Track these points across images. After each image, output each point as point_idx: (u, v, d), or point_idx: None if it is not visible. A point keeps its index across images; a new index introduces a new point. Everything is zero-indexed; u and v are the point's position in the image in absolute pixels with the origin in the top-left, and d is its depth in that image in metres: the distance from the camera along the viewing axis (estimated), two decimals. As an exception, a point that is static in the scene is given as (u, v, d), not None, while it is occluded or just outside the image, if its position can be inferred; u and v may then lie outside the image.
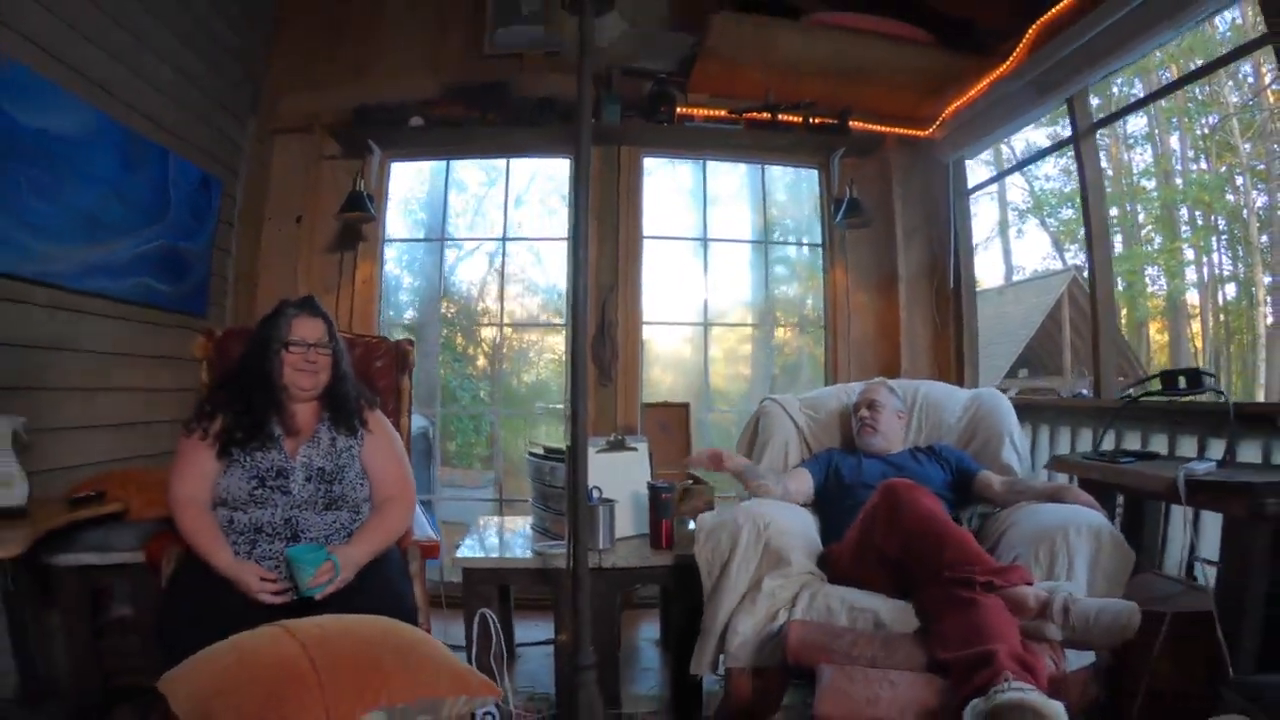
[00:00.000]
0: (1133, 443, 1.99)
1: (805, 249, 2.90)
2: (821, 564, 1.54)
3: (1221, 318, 9.97)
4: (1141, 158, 9.44)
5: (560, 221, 2.84)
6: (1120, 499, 1.85)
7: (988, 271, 11.04)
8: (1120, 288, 9.44)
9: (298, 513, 1.37)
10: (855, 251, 2.68)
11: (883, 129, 2.71)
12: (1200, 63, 8.25)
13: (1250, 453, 1.66)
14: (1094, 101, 2.45)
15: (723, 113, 2.57)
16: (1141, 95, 8.92)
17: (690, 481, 2.08)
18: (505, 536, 1.96)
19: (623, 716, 1.57)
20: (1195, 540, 1.78)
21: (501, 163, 2.75)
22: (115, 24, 2.03)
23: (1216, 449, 1.69)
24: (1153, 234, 9.32)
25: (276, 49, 2.76)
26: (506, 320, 3.08)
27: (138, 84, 2.12)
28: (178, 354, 2.25)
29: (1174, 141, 9.22)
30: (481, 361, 5.39)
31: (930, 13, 2.52)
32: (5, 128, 1.67)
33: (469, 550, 1.76)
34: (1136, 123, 9.36)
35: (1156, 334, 10.27)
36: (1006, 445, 1.91)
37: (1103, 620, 1.21)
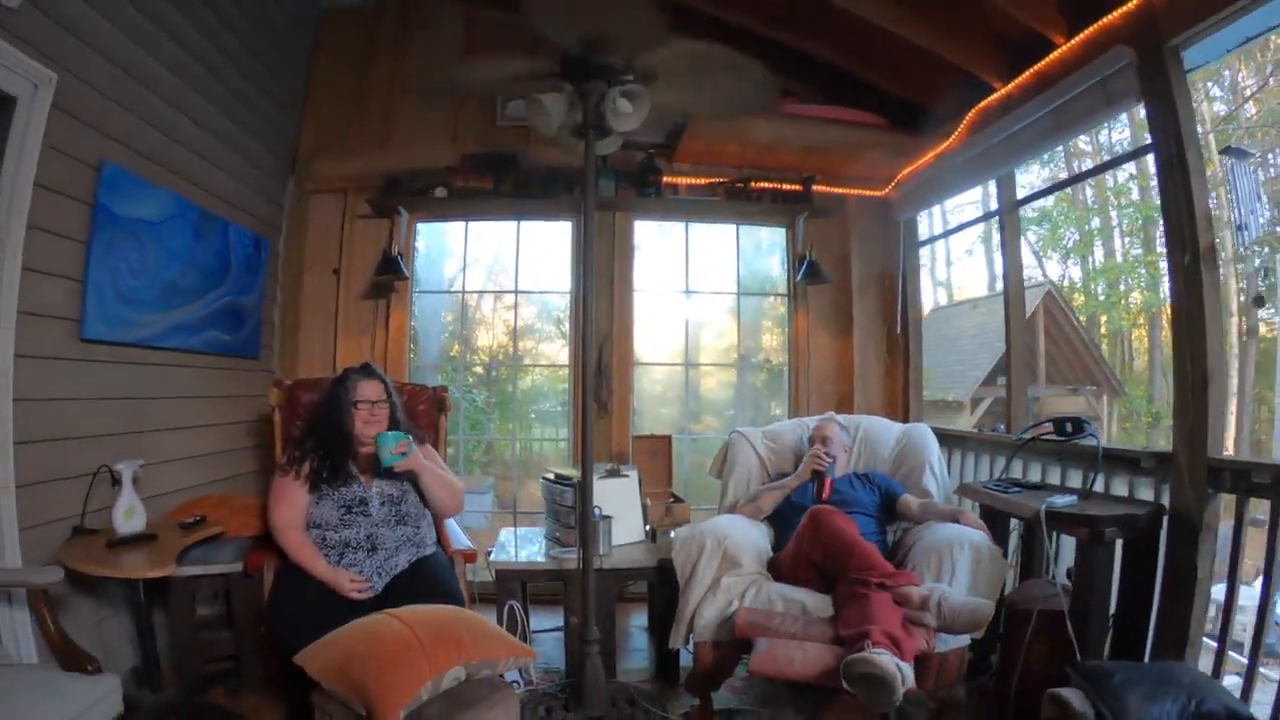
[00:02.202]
0: (1035, 473, 2.47)
1: (774, 298, 3.46)
2: (772, 567, 2.09)
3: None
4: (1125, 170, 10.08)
5: (560, 236, 3.32)
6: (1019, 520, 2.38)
7: (972, 281, 11.67)
8: (1100, 297, 10.08)
9: (376, 529, 1.90)
10: (816, 300, 3.24)
11: (843, 191, 3.25)
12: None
13: (1122, 487, 2.17)
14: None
15: (703, 181, 3.11)
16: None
17: (672, 500, 2.63)
18: (522, 545, 2.49)
19: (619, 683, 2.11)
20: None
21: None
22: (188, 118, 2.50)
23: (1097, 483, 2.16)
24: (1131, 246, 9.98)
25: (308, 117, 3.25)
26: (515, 348, 3.59)
27: (204, 166, 2.60)
28: (240, 392, 2.78)
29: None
30: (479, 368, 5.91)
31: (885, 97, 3.05)
32: (108, 221, 2.12)
33: (499, 555, 2.31)
34: (1119, 134, 9.99)
35: (1139, 341, 10.94)
36: (927, 473, 2.45)
37: (964, 614, 1.76)
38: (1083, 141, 10.00)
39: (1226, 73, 10.50)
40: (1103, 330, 10.30)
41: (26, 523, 1.84)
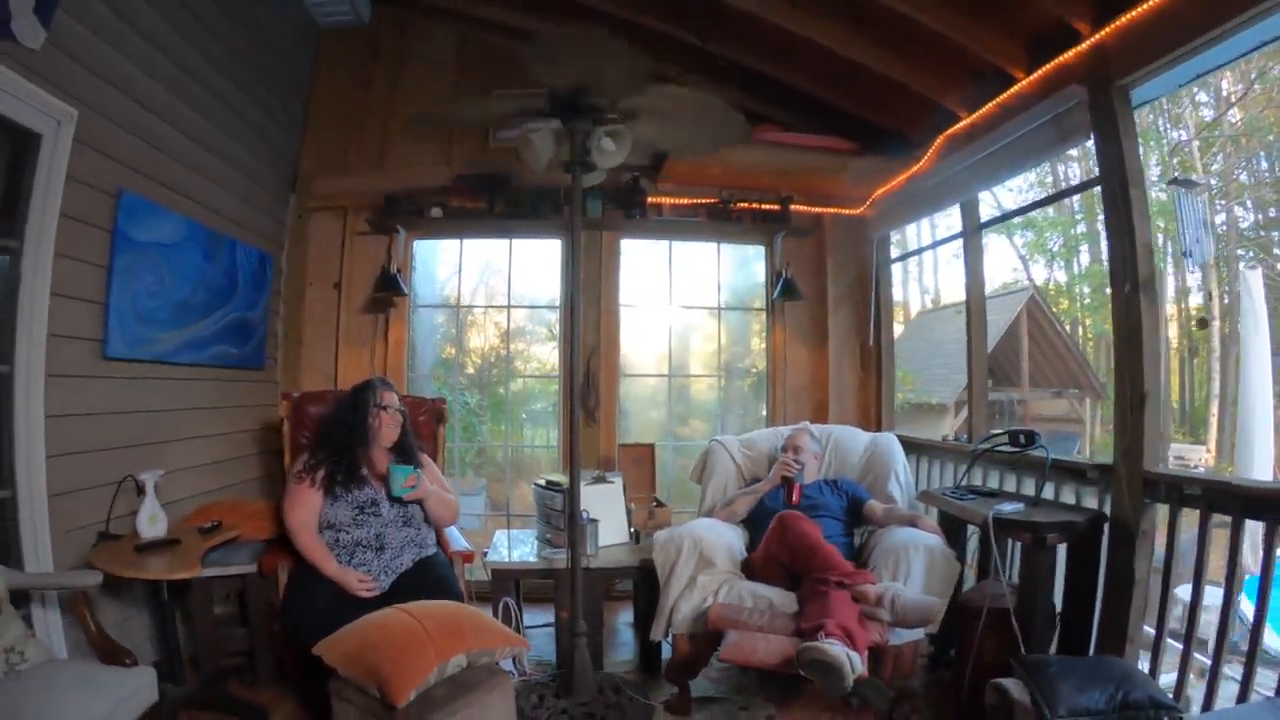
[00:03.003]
0: (994, 481, 2.68)
1: (753, 312, 3.70)
2: (746, 566, 2.32)
3: (1191, 327, 11.02)
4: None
5: (551, 249, 3.57)
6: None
7: (958, 285, 11.98)
8: (1085, 300, 10.39)
9: (385, 529, 2.13)
10: (793, 315, 3.48)
11: (820, 210, 3.49)
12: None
13: (1070, 495, 2.38)
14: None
15: (686, 201, 3.34)
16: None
17: (654, 504, 2.85)
18: (515, 546, 2.70)
19: (606, 673, 2.33)
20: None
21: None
22: (197, 143, 2.69)
23: (1047, 490, 2.38)
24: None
25: (308, 136, 3.45)
26: (508, 353, 3.80)
27: (212, 188, 2.79)
28: (247, 402, 2.98)
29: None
30: (470, 369, 6.12)
31: (860, 123, 3.28)
32: (127, 246, 2.30)
33: (494, 555, 2.53)
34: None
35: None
36: (892, 480, 2.69)
37: (914, 611, 1.99)
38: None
39: (1210, 79, 10.82)
40: (1088, 334, 10.60)
41: (57, 530, 2.03)
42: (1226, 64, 2.23)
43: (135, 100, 2.35)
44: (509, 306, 3.57)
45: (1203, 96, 11.26)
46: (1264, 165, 11.04)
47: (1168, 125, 11.00)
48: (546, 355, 6.33)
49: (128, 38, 2.29)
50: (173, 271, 2.56)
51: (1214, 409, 9.86)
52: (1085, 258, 10.61)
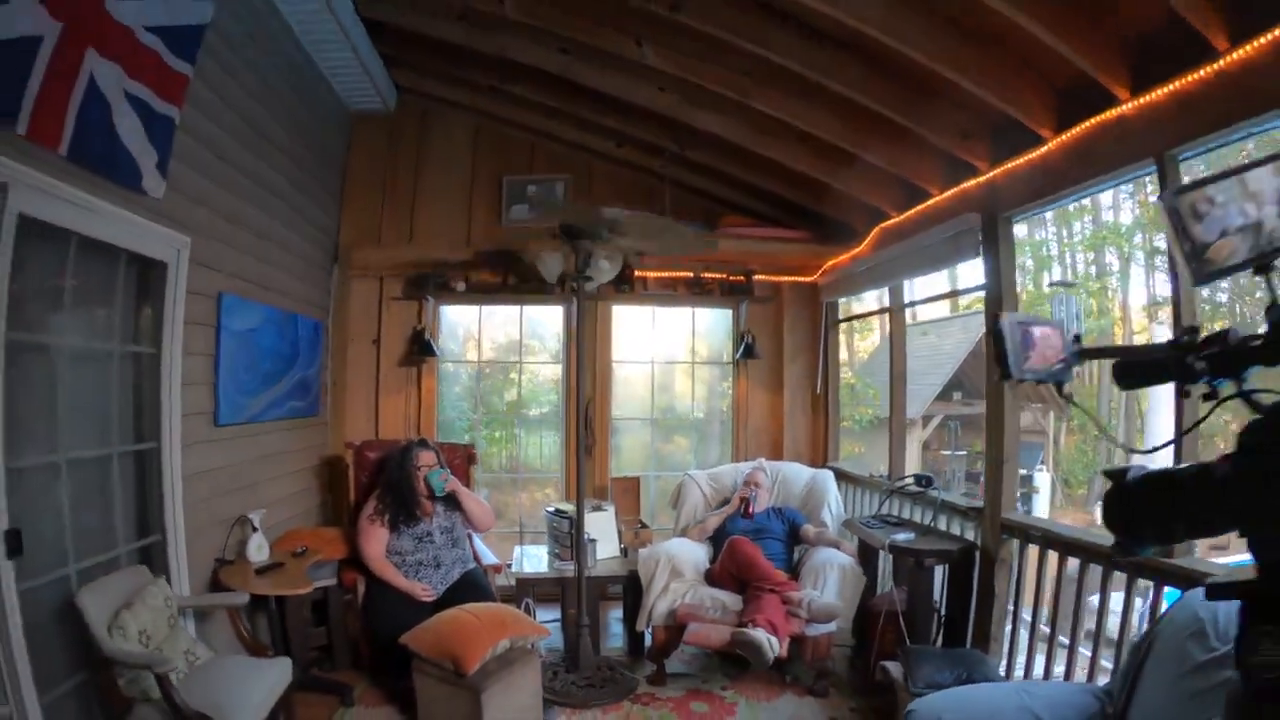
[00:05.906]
0: (907, 511, 3.55)
1: (723, 365, 4.67)
2: (709, 576, 3.27)
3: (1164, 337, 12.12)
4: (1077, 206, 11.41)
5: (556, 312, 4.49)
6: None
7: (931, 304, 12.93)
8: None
9: (439, 552, 3.09)
10: (755, 368, 4.43)
11: (778, 279, 4.42)
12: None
13: (957, 527, 3.22)
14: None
15: (667, 274, 4.26)
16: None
17: (640, 526, 3.80)
18: (530, 561, 3.62)
19: (602, 656, 3.28)
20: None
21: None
22: (270, 242, 3.51)
23: (941, 522, 3.27)
24: (1089, 262, 11.36)
25: (346, 214, 4.31)
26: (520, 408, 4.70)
27: (281, 276, 3.62)
28: (309, 444, 3.85)
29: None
30: (466, 380, 6.90)
31: (811, 215, 4.20)
32: (226, 337, 3.10)
33: (516, 567, 3.47)
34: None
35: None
36: (825, 509, 3.64)
37: (824, 611, 2.95)
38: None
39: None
40: (1057, 346, 11.62)
41: (190, 561, 2.84)
42: (1091, 194, 3.00)
43: (226, 218, 3.07)
44: (520, 361, 4.48)
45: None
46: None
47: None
48: (539, 366, 7.17)
49: (219, 168, 2.98)
50: (257, 349, 3.40)
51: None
52: (1055, 274, 11.70)
